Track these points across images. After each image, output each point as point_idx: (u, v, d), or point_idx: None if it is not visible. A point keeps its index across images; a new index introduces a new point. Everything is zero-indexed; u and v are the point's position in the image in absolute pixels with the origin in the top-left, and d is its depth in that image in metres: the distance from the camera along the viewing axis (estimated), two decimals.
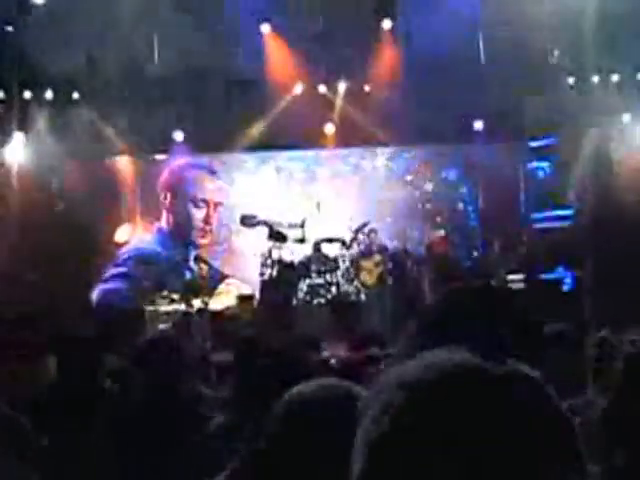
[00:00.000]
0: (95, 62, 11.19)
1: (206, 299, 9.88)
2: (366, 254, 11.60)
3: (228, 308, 10.73)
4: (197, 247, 7.00)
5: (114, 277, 7.47)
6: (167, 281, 8.59)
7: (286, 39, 12.24)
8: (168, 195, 6.87)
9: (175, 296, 10.33)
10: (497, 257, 11.82)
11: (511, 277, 11.74)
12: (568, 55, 11.92)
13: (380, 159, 13.06)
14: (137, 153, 12.44)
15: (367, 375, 4.36)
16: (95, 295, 8.74)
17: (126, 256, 7.38)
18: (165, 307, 10.29)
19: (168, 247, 7.21)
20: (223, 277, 9.74)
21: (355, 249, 11.67)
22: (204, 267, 8.95)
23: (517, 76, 11.61)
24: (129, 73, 11.30)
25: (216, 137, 11.79)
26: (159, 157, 12.69)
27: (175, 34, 11.08)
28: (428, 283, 11.34)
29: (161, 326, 9.76)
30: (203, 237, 6.89)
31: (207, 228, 6.95)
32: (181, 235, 6.93)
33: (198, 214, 6.84)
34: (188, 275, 9.90)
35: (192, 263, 8.54)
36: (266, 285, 10.82)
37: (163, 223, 7.23)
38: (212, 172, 7.00)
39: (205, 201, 6.80)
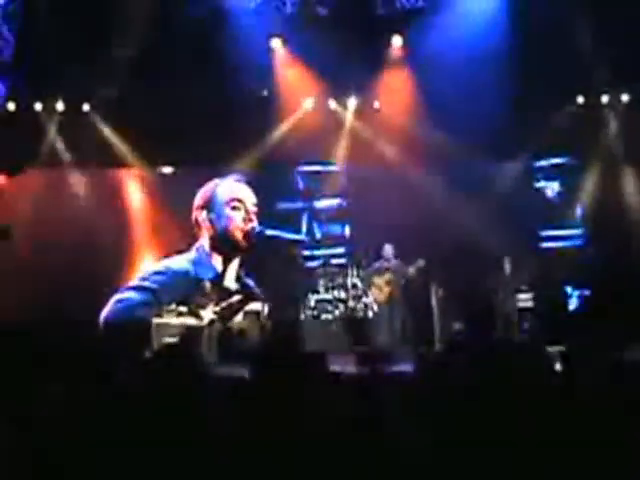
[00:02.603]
0: (105, 75, 11.27)
1: (217, 313, 9.94)
2: (377, 272, 11.64)
3: (235, 323, 10.75)
4: (243, 251, 6.97)
5: (131, 288, 7.37)
6: (191, 300, 8.57)
7: (296, 54, 12.29)
8: (204, 212, 6.80)
9: (183, 309, 10.38)
10: (508, 276, 11.85)
11: (520, 296, 11.77)
12: (578, 74, 11.95)
13: (389, 176, 13.09)
14: (144, 165, 12.60)
15: (374, 390, 4.39)
16: (107, 304, 8.82)
17: (153, 270, 7.32)
18: (173, 320, 10.33)
19: (204, 265, 7.17)
20: (253, 298, 9.78)
21: (365, 266, 11.71)
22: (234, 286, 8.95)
23: (527, 96, 11.64)
24: (137, 85, 11.36)
25: (225, 151, 11.91)
26: (166, 170, 12.89)
27: (184, 48, 11.15)
28: (436, 301, 11.38)
29: (168, 339, 9.80)
30: (246, 239, 6.82)
31: (248, 228, 6.88)
32: (225, 243, 6.88)
33: (237, 216, 6.79)
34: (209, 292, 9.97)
35: (229, 282, 8.50)
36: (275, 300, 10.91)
37: (204, 242, 7.19)
38: (238, 180, 7.02)
39: (240, 200, 6.73)
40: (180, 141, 11.47)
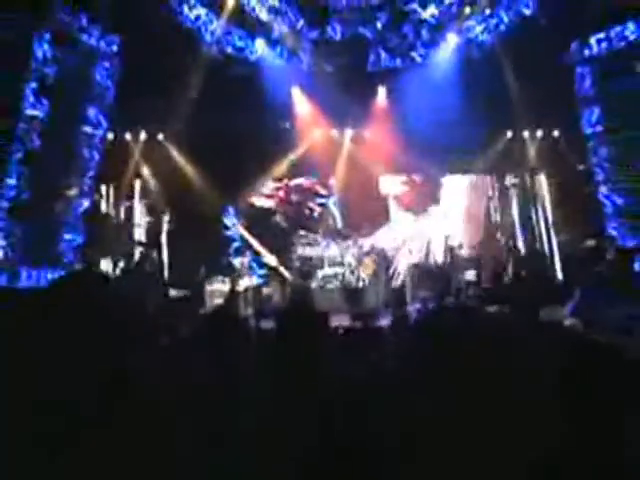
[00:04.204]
0: (174, 113, 11.63)
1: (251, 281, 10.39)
2: (366, 253, 11.84)
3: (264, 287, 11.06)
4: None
5: None
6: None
7: (310, 98, 12.46)
8: None
9: (227, 279, 10.69)
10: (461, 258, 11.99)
11: (468, 272, 11.89)
12: (508, 116, 12.18)
13: (377, 186, 13.40)
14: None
15: (365, 339, 4.50)
16: None
17: None
18: (220, 287, 10.72)
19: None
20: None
21: (358, 250, 11.92)
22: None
23: (475, 131, 11.87)
24: (196, 120, 11.60)
25: (257, 169, 12.44)
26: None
27: (229, 94, 11.40)
28: (410, 276, 11.44)
29: (217, 301, 10.07)
30: None
31: None
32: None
33: None
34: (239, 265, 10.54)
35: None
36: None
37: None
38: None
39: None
40: (226, 161, 11.74)
